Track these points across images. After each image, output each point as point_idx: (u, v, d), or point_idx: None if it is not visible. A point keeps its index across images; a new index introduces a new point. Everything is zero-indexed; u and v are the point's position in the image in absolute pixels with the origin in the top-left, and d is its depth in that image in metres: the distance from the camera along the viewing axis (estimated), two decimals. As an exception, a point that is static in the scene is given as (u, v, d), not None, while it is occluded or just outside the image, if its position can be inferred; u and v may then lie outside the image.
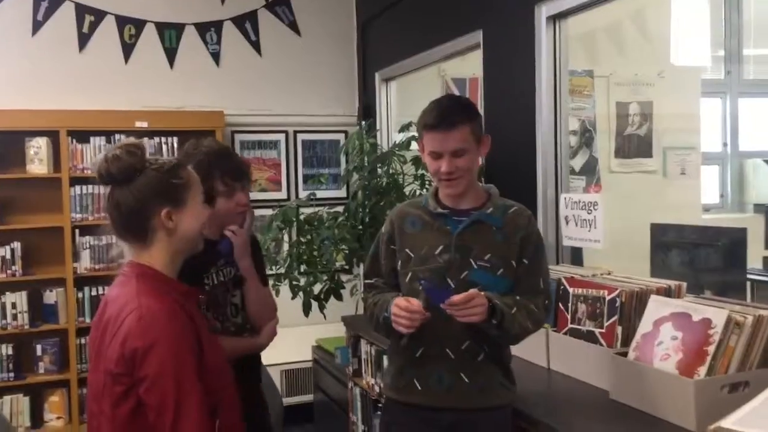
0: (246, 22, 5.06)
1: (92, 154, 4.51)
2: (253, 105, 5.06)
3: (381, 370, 3.15)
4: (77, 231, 4.50)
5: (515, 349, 2.54)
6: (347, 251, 3.96)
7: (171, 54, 4.89)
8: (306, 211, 4.06)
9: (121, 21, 4.78)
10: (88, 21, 4.73)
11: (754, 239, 3.54)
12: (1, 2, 4.57)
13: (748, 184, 5.71)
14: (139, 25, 4.82)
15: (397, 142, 3.99)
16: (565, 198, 2.99)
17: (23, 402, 4.48)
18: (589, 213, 2.85)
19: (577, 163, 4.21)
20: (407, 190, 3.89)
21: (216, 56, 5.00)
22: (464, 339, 2.08)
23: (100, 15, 4.74)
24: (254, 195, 4.71)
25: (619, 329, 2.38)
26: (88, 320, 4.49)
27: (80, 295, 4.54)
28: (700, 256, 2.84)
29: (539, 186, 3.15)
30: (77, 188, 4.50)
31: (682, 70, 4.64)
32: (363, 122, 4.55)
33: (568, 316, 2.58)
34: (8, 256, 4.40)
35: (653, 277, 2.68)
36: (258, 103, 5.07)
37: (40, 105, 4.48)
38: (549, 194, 3.12)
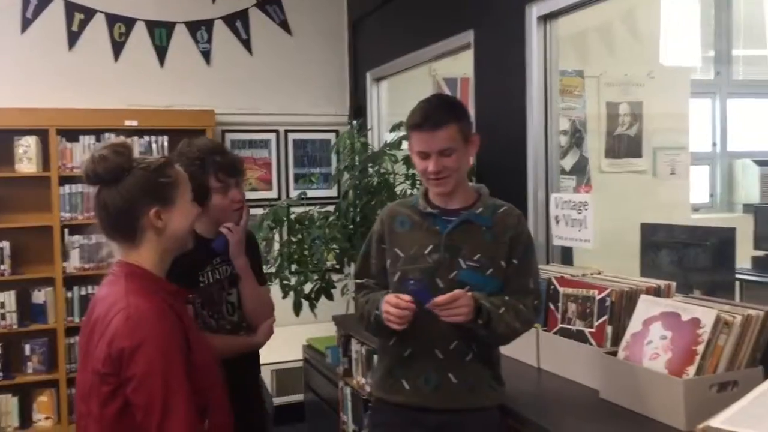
0: (237, 21, 5.05)
1: (81, 153, 4.49)
2: (244, 104, 5.05)
3: (372, 369, 3.15)
4: (66, 230, 4.48)
5: (505, 349, 2.54)
6: (338, 251, 3.95)
7: (161, 52, 4.87)
8: (297, 210, 4.06)
9: (111, 19, 4.76)
10: (78, 19, 4.70)
11: (743, 239, 3.55)
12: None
13: (737, 184, 5.74)
14: (129, 23, 4.80)
15: (388, 142, 3.99)
16: (555, 198, 2.99)
17: (11, 402, 4.45)
18: (579, 213, 2.86)
19: (568, 163, 4.22)
20: (398, 189, 3.89)
21: (206, 55, 4.98)
22: (453, 339, 2.08)
23: (89, 13, 4.72)
24: (245, 194, 4.69)
25: (609, 329, 2.38)
26: (77, 320, 4.47)
27: (69, 294, 4.52)
28: (689, 256, 2.85)
29: (530, 186, 3.16)
30: (66, 187, 4.48)
31: (671, 70, 4.66)
32: (354, 121, 4.54)
33: (558, 316, 2.59)
34: (-3, 256, 4.38)
35: (643, 277, 2.69)
36: (249, 102, 5.06)
37: (29, 103, 4.45)
38: (539, 194, 3.13)
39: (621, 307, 2.38)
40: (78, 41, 4.71)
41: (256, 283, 2.46)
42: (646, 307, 2.23)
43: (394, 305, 2.00)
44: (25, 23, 4.61)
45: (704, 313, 2.03)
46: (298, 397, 4.63)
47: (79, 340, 1.85)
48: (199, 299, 2.35)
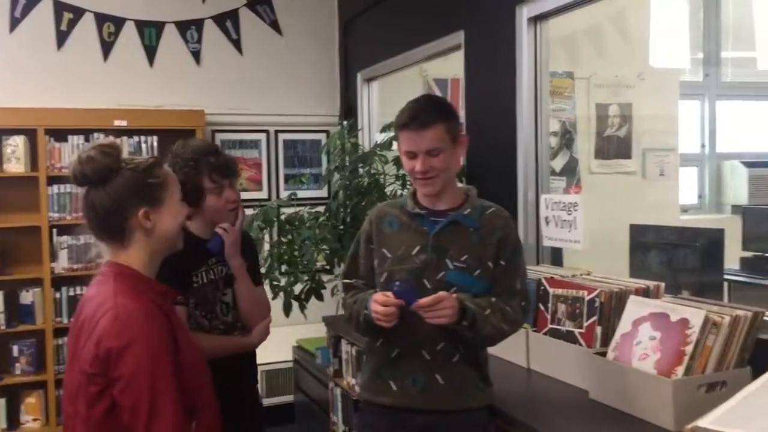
0: (227, 21, 5.04)
1: (70, 153, 4.46)
2: (234, 104, 5.04)
3: (360, 370, 3.15)
4: (55, 230, 4.45)
5: (495, 350, 2.54)
6: (328, 251, 3.95)
7: (151, 52, 4.85)
8: (287, 211, 4.05)
9: (100, 18, 4.74)
10: (67, 18, 4.68)
11: (732, 240, 3.57)
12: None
13: (725, 186, 5.77)
14: (119, 22, 4.77)
15: (378, 142, 3.99)
16: (545, 199, 3.00)
17: (-1, 403, 4.43)
18: (569, 214, 2.86)
19: (558, 164, 4.23)
20: (388, 190, 3.89)
21: (196, 55, 4.97)
22: (440, 340, 2.08)
23: (78, 12, 4.69)
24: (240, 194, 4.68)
25: (598, 329, 2.39)
26: (65, 321, 4.44)
27: (58, 295, 4.49)
28: (678, 257, 2.87)
29: (520, 187, 3.17)
30: (55, 187, 4.45)
31: (661, 72, 4.68)
32: (344, 122, 4.54)
33: (548, 317, 2.60)
34: (-16, 256, 4.35)
35: (632, 278, 2.70)
36: (239, 102, 5.05)
37: (18, 103, 4.41)
38: (529, 195, 3.14)
39: (610, 307, 2.39)
40: (67, 41, 4.68)
41: (252, 283, 2.46)
42: (635, 307, 2.24)
43: (382, 303, 1.99)
44: (14, 22, 4.58)
45: (693, 313, 2.04)
46: (288, 398, 4.63)
47: (67, 340, 1.84)
48: (193, 299, 2.36)
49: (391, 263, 2.14)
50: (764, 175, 5.57)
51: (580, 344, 2.44)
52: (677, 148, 4.81)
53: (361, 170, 4.00)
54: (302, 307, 3.91)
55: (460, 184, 3.31)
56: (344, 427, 3.47)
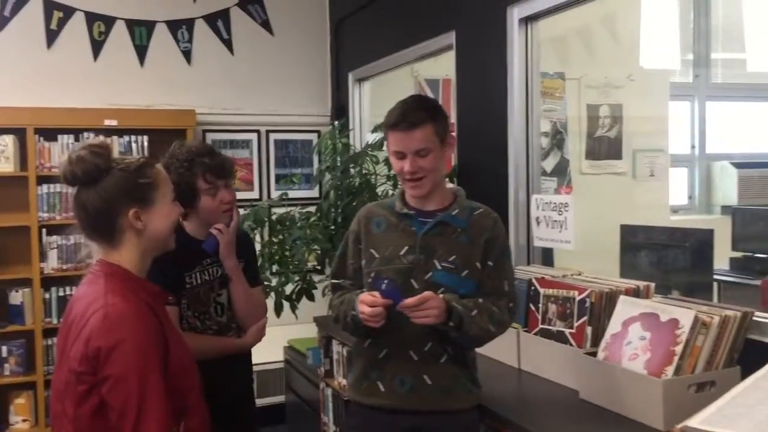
0: (218, 20, 5.02)
1: (60, 153, 4.44)
2: (225, 104, 5.02)
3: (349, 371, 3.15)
4: (44, 230, 4.43)
5: (486, 350, 2.55)
6: (319, 251, 3.95)
7: (141, 51, 4.83)
8: (278, 211, 4.04)
9: (91, 17, 4.71)
10: (57, 17, 4.65)
11: (721, 240, 3.59)
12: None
13: (715, 186, 5.80)
14: (109, 21, 4.75)
15: (369, 143, 3.99)
16: (536, 199, 3.01)
17: (-12, 404, 4.41)
18: (560, 214, 2.87)
19: (549, 164, 4.24)
20: (380, 190, 3.89)
21: (187, 54, 4.95)
22: (427, 340, 2.08)
23: (68, 11, 4.67)
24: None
25: (588, 329, 2.40)
26: (55, 321, 4.42)
27: (47, 295, 4.47)
28: (668, 257, 2.88)
29: (511, 187, 3.17)
30: (44, 187, 4.43)
31: (651, 73, 4.70)
32: (336, 122, 4.54)
33: (539, 317, 2.60)
34: (-27, 256, 4.33)
35: (622, 278, 2.71)
36: (230, 102, 5.04)
37: (7, 102, 4.39)
38: (520, 195, 3.14)
39: (601, 307, 2.39)
40: (57, 40, 4.66)
41: (247, 284, 2.46)
42: (625, 307, 2.25)
43: (369, 304, 2.00)
44: (3, 21, 4.55)
45: (683, 313, 2.05)
46: (279, 399, 4.62)
47: (57, 339, 1.83)
48: (185, 300, 2.35)
49: (379, 263, 2.14)
50: (753, 176, 5.60)
51: (571, 344, 2.44)
52: (667, 148, 4.83)
53: (352, 170, 4.00)
54: (293, 308, 3.90)
55: (450, 185, 3.32)
56: (335, 427, 3.47)
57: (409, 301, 1.94)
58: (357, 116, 4.90)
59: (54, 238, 4.45)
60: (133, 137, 4.60)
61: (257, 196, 5.04)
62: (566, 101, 4.38)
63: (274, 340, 4.36)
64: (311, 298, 3.92)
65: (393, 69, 4.45)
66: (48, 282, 4.46)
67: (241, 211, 4.07)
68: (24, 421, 4.47)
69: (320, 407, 3.65)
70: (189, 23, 4.94)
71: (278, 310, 3.81)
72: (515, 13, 3.10)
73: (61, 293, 4.47)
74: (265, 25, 5.14)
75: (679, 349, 2.00)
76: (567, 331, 2.48)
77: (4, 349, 4.43)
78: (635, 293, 2.42)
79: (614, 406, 2.12)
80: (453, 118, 3.69)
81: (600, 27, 4.39)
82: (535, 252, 3.14)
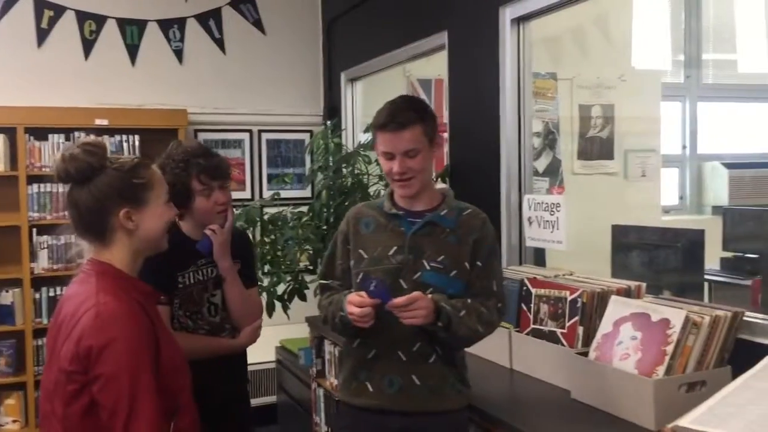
0: (210, 20, 5.00)
1: (50, 152, 4.42)
2: (217, 103, 5.01)
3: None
4: (35, 230, 4.41)
5: (478, 350, 2.55)
6: (311, 251, 3.94)
7: (133, 51, 4.81)
8: (270, 210, 4.04)
9: (82, 16, 4.69)
10: (47, 16, 4.63)
11: (712, 241, 3.60)
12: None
13: (706, 187, 5.82)
14: (100, 20, 4.73)
15: (362, 142, 3.98)
16: (528, 199, 3.01)
17: (-23, 405, 4.38)
18: (551, 214, 2.87)
19: (541, 164, 4.25)
20: (372, 190, 3.89)
21: (179, 54, 4.93)
22: (416, 341, 2.08)
23: (59, 10, 4.64)
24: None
25: (580, 329, 2.40)
26: (45, 321, 4.40)
27: (37, 296, 4.44)
28: (659, 257, 2.89)
29: (503, 187, 3.17)
30: (35, 186, 4.40)
31: (643, 73, 4.72)
32: (328, 122, 4.53)
33: (531, 317, 2.60)
34: (-38, 256, 4.30)
35: (614, 278, 2.72)
36: (222, 101, 5.02)
37: (-3, 101, 4.38)
38: (512, 195, 3.14)
39: (592, 307, 2.40)
40: (47, 39, 4.63)
41: (241, 285, 2.45)
42: (616, 307, 2.25)
43: (357, 304, 1.99)
44: (-7, 20, 4.53)
45: (674, 313, 2.06)
46: (271, 399, 4.61)
47: (46, 339, 1.82)
48: (177, 299, 2.35)
49: (368, 264, 2.14)
50: (744, 176, 5.63)
51: (562, 344, 2.45)
52: (659, 149, 4.85)
53: (344, 170, 3.99)
54: (285, 308, 3.89)
55: (442, 185, 3.32)
56: (326, 427, 3.46)
57: (398, 300, 1.94)
58: (349, 116, 4.90)
59: (44, 237, 4.42)
60: (124, 137, 4.58)
61: (249, 196, 5.03)
62: (558, 101, 4.39)
63: (265, 340, 4.33)
64: (303, 298, 3.91)
65: (385, 69, 4.45)
66: (38, 282, 4.44)
67: (235, 212, 4.08)
68: (14, 422, 4.44)
69: (312, 407, 3.64)
70: (181, 22, 4.92)
71: (270, 310, 3.80)
72: (507, 13, 3.10)
73: (51, 293, 4.45)
74: (257, 24, 5.13)
75: (670, 348, 2.01)
76: (558, 331, 2.48)
77: (-6, 349, 4.41)
78: (626, 293, 2.42)
79: (605, 405, 2.12)
80: (445, 118, 3.69)
81: (592, 27, 4.40)
82: (527, 252, 3.15)
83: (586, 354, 2.26)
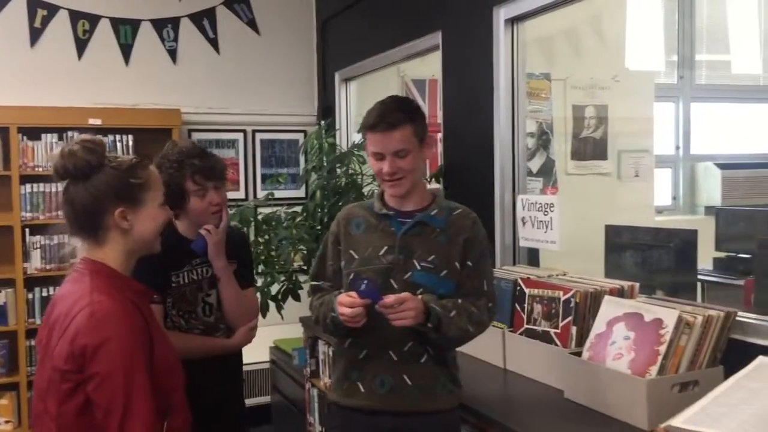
0: (204, 19, 5.00)
1: (44, 152, 4.41)
2: (211, 103, 5.00)
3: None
4: (27, 230, 4.39)
5: (472, 350, 2.55)
6: (305, 251, 3.93)
7: (126, 50, 4.80)
8: (264, 211, 4.03)
9: (75, 16, 4.68)
10: (41, 15, 4.61)
11: (705, 241, 3.61)
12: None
13: (699, 187, 5.84)
14: (94, 20, 4.72)
15: (356, 142, 3.98)
16: (522, 199, 3.02)
17: (-30, 406, 4.36)
18: (545, 214, 2.88)
19: (535, 164, 4.25)
20: (366, 190, 3.88)
21: (173, 53, 4.92)
22: (407, 341, 2.08)
23: (53, 9, 4.63)
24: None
25: (573, 329, 2.41)
26: (38, 322, 4.38)
27: (30, 296, 4.43)
28: (652, 257, 2.90)
29: (497, 187, 3.18)
30: (28, 186, 4.39)
31: (636, 74, 4.73)
32: (322, 122, 4.53)
33: (524, 317, 2.61)
34: (-45, 256, 4.28)
35: (607, 278, 2.72)
36: (216, 101, 5.01)
37: (-10, 101, 4.36)
38: (506, 195, 3.15)
39: (585, 307, 2.40)
40: (40, 38, 4.62)
41: (236, 285, 2.45)
42: (609, 307, 2.26)
43: (348, 305, 1.99)
44: (-14, 19, 4.51)
45: (666, 313, 2.06)
46: (265, 399, 4.60)
47: (37, 338, 1.82)
48: (170, 299, 2.35)
49: (359, 264, 2.14)
50: (737, 177, 5.65)
51: (556, 344, 2.45)
52: (652, 149, 4.86)
53: (338, 170, 3.99)
54: (279, 308, 3.89)
55: (436, 185, 3.33)
56: (320, 428, 3.46)
57: (387, 300, 1.94)
58: (343, 116, 4.90)
59: (37, 238, 4.41)
60: (117, 136, 4.57)
61: (243, 196, 5.03)
62: (552, 102, 4.40)
63: (259, 340, 4.33)
64: (297, 298, 3.91)
65: (380, 69, 4.45)
66: (31, 282, 4.42)
67: (230, 212, 4.07)
68: (7, 422, 4.42)
69: (306, 408, 3.64)
70: (174, 22, 4.91)
71: (264, 310, 3.79)
72: (501, 14, 3.10)
73: (44, 293, 4.43)
74: (252, 24, 5.12)
75: (662, 348, 2.01)
76: (552, 331, 2.48)
77: (-13, 349, 4.39)
78: (620, 293, 2.43)
79: (599, 405, 2.13)
80: (439, 119, 3.70)
81: (586, 28, 4.41)
82: (520, 252, 3.15)
83: (579, 354, 2.26)
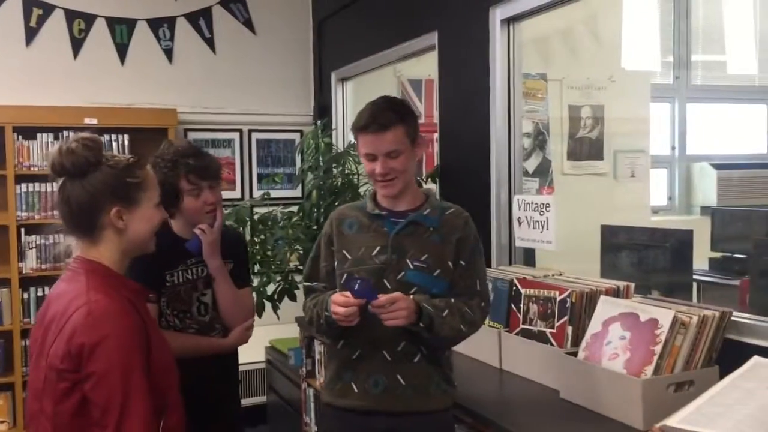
0: (200, 19, 4.99)
1: (39, 151, 4.40)
2: (207, 103, 4.99)
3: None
4: (23, 230, 4.38)
5: (468, 349, 2.55)
6: (301, 251, 3.93)
7: (122, 50, 4.79)
8: (260, 210, 4.03)
9: (71, 15, 4.67)
10: (36, 14, 4.60)
11: (700, 241, 3.62)
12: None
13: (694, 187, 5.85)
14: (89, 19, 4.71)
15: (352, 142, 3.98)
16: (518, 199, 3.02)
17: (-35, 406, 4.35)
18: (541, 214, 2.88)
19: (531, 165, 4.25)
20: (362, 190, 3.88)
21: (169, 53, 4.91)
22: (400, 340, 2.08)
23: (48, 8, 4.62)
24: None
25: (569, 329, 2.41)
26: (33, 322, 4.36)
27: (26, 295, 4.41)
28: (648, 257, 2.90)
29: (493, 187, 3.18)
30: (23, 186, 4.38)
31: (632, 74, 4.73)
32: (318, 122, 4.53)
33: (520, 317, 2.61)
34: (-50, 256, 4.27)
35: (603, 278, 2.72)
36: (212, 101, 5.01)
37: (-15, 100, 4.35)
38: (502, 195, 3.15)
39: (581, 307, 2.41)
40: (36, 37, 4.60)
41: (232, 285, 2.45)
42: (605, 307, 2.26)
43: (342, 304, 1.99)
44: (-19, 18, 4.50)
45: (662, 313, 2.06)
46: (261, 399, 4.60)
47: (31, 337, 1.82)
48: (164, 298, 2.35)
49: (352, 264, 2.14)
50: (732, 177, 5.66)
51: (552, 344, 2.45)
52: (648, 149, 4.87)
53: (334, 170, 3.99)
54: (275, 308, 3.89)
55: (432, 185, 3.32)
56: (316, 428, 3.46)
57: (379, 300, 1.94)
58: (340, 116, 4.90)
59: (33, 237, 4.40)
60: (113, 136, 4.55)
61: (239, 196, 5.02)
62: (548, 102, 4.40)
63: (255, 340, 4.32)
64: (293, 298, 3.90)
65: (376, 69, 4.45)
66: (26, 282, 4.41)
67: (225, 212, 4.07)
68: (2, 422, 4.42)
69: (302, 408, 3.64)
70: (170, 21, 4.90)
71: (260, 310, 3.79)
72: (497, 14, 3.11)
73: (39, 293, 4.42)
74: (248, 23, 5.12)
75: (658, 348, 2.02)
76: (548, 331, 2.49)
77: (-18, 350, 4.38)
78: (615, 293, 2.43)
79: (594, 405, 2.13)
80: (435, 119, 3.70)
81: (582, 28, 4.41)
82: (516, 252, 3.15)
83: (575, 354, 2.26)
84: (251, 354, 4.50)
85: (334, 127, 4.82)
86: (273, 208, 4.01)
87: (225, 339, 2.47)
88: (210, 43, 5.02)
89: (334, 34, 4.95)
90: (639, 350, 2.06)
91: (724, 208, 4.98)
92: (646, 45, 4.92)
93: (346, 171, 3.93)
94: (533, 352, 2.50)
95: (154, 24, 4.86)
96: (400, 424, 2.10)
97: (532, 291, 2.59)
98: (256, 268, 3.92)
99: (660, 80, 5.72)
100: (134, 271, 1.84)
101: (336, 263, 2.18)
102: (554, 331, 2.46)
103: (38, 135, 4.43)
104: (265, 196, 4.21)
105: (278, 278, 3.88)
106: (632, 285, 2.50)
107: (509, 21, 3.10)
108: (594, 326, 2.25)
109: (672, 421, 1.42)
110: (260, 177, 5.15)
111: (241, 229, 3.88)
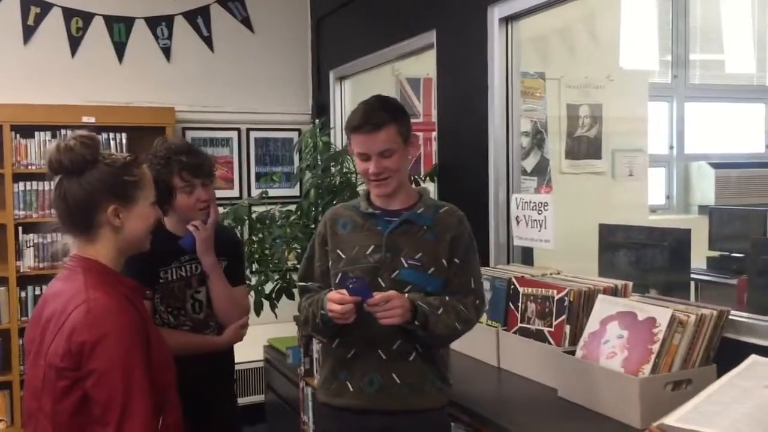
0: (198, 17, 4.98)
1: (37, 150, 4.39)
2: (205, 101, 4.99)
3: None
4: (20, 228, 4.38)
5: (465, 348, 2.55)
6: (299, 250, 3.92)
7: (120, 48, 4.79)
8: (258, 209, 4.02)
9: (68, 13, 4.66)
10: (34, 13, 4.59)
11: (698, 240, 3.62)
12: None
13: (692, 186, 5.86)
14: (87, 17, 4.70)
15: (350, 141, 3.97)
16: (516, 198, 3.02)
17: (-38, 405, 4.34)
18: (539, 213, 2.88)
19: (529, 163, 4.25)
20: (360, 189, 3.88)
21: (167, 51, 4.91)
22: (396, 339, 2.08)
23: (46, 7, 4.61)
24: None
25: (567, 328, 2.41)
26: (31, 320, 4.36)
27: (23, 294, 4.41)
28: (646, 256, 2.90)
29: (491, 186, 3.18)
30: (21, 184, 4.37)
31: (630, 73, 4.74)
32: (316, 120, 4.52)
33: (518, 315, 2.61)
34: (-53, 254, 4.26)
35: (601, 277, 2.72)
36: (210, 99, 5.00)
37: (-18, 99, 4.34)
38: (500, 194, 3.15)
39: (579, 306, 2.41)
40: (33, 36, 4.60)
41: (226, 282, 2.45)
42: (603, 306, 2.26)
43: (338, 302, 1.99)
44: (-21, 16, 4.49)
45: (660, 312, 2.07)
46: (259, 398, 4.60)
47: (27, 336, 1.81)
48: (158, 295, 2.35)
49: (346, 264, 2.14)
50: (730, 176, 5.67)
51: (550, 343, 2.45)
52: (646, 148, 4.87)
53: (332, 169, 3.99)
54: (273, 306, 3.88)
55: (429, 183, 3.32)
56: (314, 427, 3.45)
57: (374, 299, 1.94)
58: (338, 114, 4.89)
59: (30, 236, 4.39)
60: (111, 134, 4.55)
61: (237, 195, 5.02)
62: (546, 101, 4.40)
63: (253, 339, 4.33)
64: (291, 297, 3.90)
65: (374, 68, 4.45)
66: (24, 280, 4.41)
67: (221, 210, 4.06)
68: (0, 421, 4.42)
69: (300, 407, 3.64)
70: (168, 20, 4.90)
71: (258, 309, 3.79)
72: (496, 13, 3.11)
73: (37, 292, 4.41)
74: (246, 22, 5.11)
75: (656, 347, 2.02)
76: (546, 329, 2.49)
77: (-20, 348, 4.38)
78: (613, 292, 2.43)
79: (592, 404, 2.13)
80: (434, 117, 3.70)
81: (580, 27, 4.42)
82: (514, 251, 3.15)
83: (573, 352, 2.26)
84: (249, 353, 4.50)
85: (332, 125, 4.82)
86: (271, 207, 4.01)
87: (219, 337, 2.47)
88: (208, 41, 5.01)
89: (332, 32, 4.95)
90: (637, 349, 2.06)
91: (722, 207, 4.98)
92: (645, 44, 4.93)
93: (344, 170, 3.93)
94: (531, 350, 2.50)
95: (152, 22, 4.86)
96: (395, 423, 2.09)
97: (530, 290, 2.59)
98: (254, 266, 3.92)
99: (658, 79, 5.73)
100: (129, 268, 1.84)
101: (330, 263, 2.18)
102: (552, 329, 2.46)
103: (36, 133, 4.42)
104: (263, 195, 4.21)
105: (276, 277, 3.88)
106: (630, 284, 2.51)
107: (507, 20, 3.10)
108: (592, 325, 2.25)
109: (670, 419, 1.43)
110: (258, 176, 5.14)
111: (239, 227, 3.88)
